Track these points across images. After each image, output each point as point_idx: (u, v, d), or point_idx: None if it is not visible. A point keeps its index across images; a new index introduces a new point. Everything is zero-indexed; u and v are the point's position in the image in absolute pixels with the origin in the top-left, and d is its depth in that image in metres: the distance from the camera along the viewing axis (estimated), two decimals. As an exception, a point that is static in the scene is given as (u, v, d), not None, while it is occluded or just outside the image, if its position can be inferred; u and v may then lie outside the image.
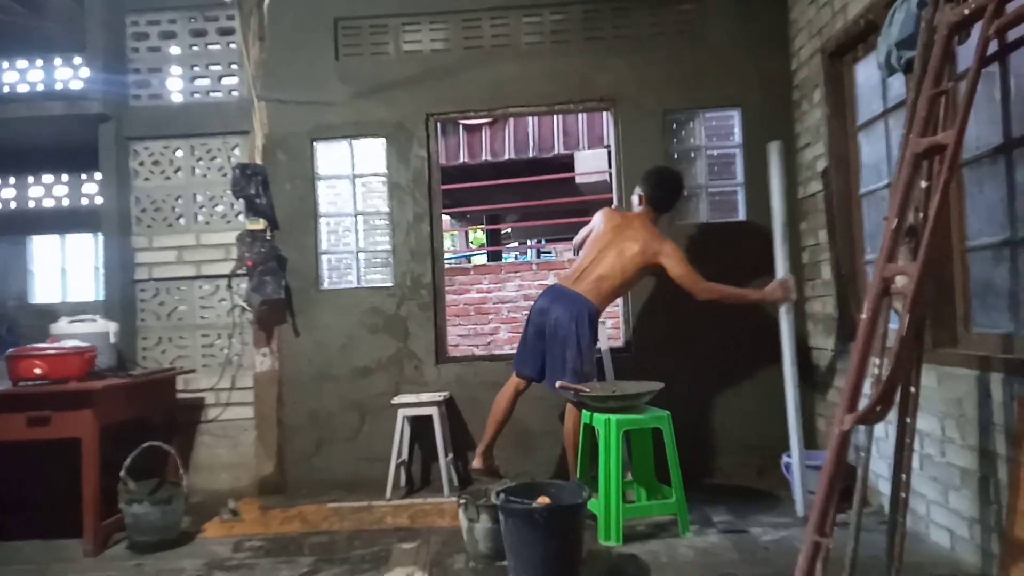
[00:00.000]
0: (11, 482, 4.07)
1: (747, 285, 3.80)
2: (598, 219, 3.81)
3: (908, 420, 2.46)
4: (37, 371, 3.39)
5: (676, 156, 4.41)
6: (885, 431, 3.13)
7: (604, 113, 5.20)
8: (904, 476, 2.44)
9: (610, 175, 4.73)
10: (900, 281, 2.32)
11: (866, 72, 3.55)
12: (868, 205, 3.61)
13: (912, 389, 2.47)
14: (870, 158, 3.57)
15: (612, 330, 5.16)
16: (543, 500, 2.81)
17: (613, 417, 3.20)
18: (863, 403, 2.19)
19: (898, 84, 3.14)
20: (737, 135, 4.38)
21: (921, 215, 2.41)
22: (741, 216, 4.35)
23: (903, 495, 2.44)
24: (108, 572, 3.15)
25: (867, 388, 2.32)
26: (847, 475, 2.49)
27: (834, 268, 3.77)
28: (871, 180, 3.55)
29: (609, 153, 5.98)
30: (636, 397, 3.34)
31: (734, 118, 4.39)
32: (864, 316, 2.29)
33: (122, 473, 3.43)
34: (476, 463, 3.78)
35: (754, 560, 2.87)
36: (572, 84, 4.40)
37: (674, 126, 4.43)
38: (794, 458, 3.45)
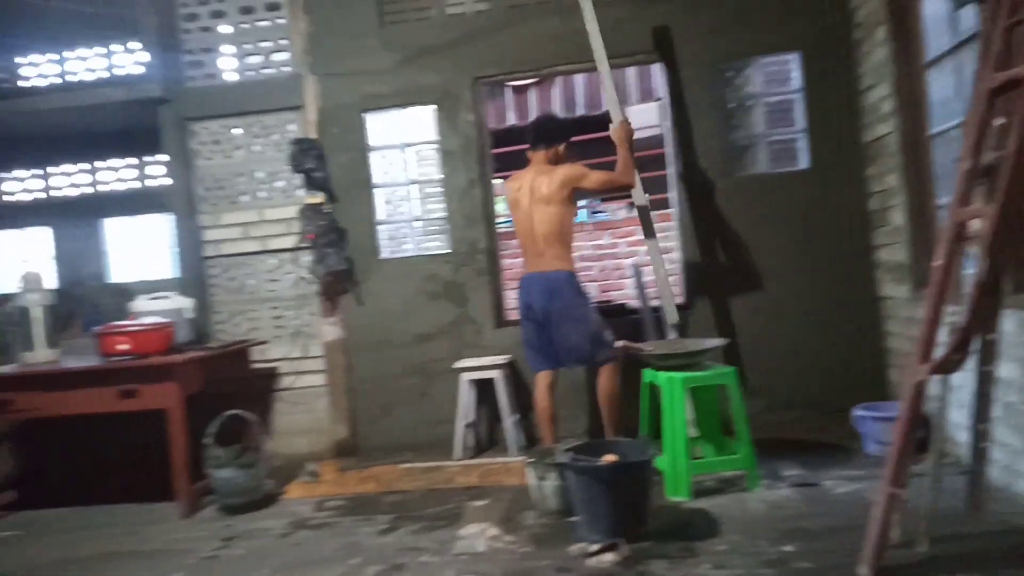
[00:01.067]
0: (102, 449, 4.34)
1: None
2: (508, 195, 3.81)
3: (987, 368, 2.39)
4: (123, 347, 3.60)
5: (731, 106, 4.29)
6: (963, 379, 3.04)
7: (654, 65, 5.07)
8: (984, 426, 2.39)
9: (664, 129, 4.62)
10: (975, 225, 2.24)
11: (933, 5, 3.36)
12: (939, 146, 3.45)
13: (991, 336, 2.39)
14: (939, 96, 3.40)
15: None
16: (609, 458, 2.85)
17: (677, 375, 3.20)
18: (938, 352, 2.14)
19: (969, 16, 2.96)
20: (796, 80, 4.22)
21: (997, 155, 2.31)
22: (803, 165, 4.22)
23: (983, 445, 2.39)
24: (203, 532, 3.36)
25: (944, 336, 2.26)
26: (922, 425, 2.45)
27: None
28: (941, 120, 3.39)
29: (661, 107, 5.83)
30: (700, 354, 3.32)
31: (792, 63, 4.23)
32: (937, 263, 2.22)
33: (209, 440, 3.63)
34: None
35: (827, 513, 2.85)
36: (619, 37, 4.28)
37: (728, 74, 4.30)
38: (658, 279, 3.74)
